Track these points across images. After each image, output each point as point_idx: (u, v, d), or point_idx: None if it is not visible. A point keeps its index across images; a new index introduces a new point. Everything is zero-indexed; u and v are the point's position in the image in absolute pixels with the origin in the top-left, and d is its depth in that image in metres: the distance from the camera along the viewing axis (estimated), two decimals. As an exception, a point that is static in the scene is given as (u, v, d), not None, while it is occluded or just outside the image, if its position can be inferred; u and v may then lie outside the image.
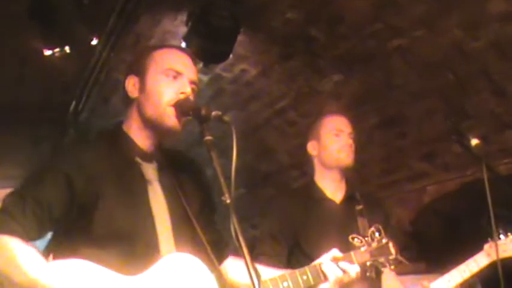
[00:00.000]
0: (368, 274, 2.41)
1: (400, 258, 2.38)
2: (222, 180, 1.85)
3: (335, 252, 2.37)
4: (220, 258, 2.32)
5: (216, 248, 2.22)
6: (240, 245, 1.74)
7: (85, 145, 2.27)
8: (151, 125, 2.16)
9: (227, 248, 2.38)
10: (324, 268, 2.32)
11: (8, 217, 1.92)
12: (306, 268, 2.30)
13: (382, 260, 2.41)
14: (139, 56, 2.27)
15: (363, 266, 2.39)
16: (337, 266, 2.32)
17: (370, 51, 4.20)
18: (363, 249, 2.42)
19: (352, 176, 3.30)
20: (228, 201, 1.81)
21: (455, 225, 4.46)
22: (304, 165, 5.79)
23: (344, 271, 2.33)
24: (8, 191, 2.01)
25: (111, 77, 5.38)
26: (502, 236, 3.06)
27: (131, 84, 2.20)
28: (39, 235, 1.99)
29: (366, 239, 2.44)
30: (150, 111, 2.15)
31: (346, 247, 2.62)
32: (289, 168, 5.89)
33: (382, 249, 2.41)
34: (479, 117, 4.17)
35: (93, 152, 2.12)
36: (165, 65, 2.17)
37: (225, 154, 1.87)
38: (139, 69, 2.20)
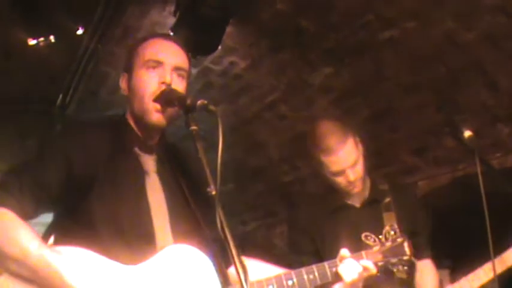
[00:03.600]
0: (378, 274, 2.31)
1: (413, 259, 2.28)
2: (207, 171, 1.82)
3: (344, 252, 2.28)
4: (227, 260, 2.12)
5: (222, 248, 2.07)
6: (226, 237, 1.71)
7: (88, 127, 2.25)
8: (140, 121, 2.18)
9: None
10: (339, 269, 2.23)
11: (4, 192, 1.93)
12: (314, 267, 2.21)
13: (394, 260, 2.30)
14: (127, 53, 2.29)
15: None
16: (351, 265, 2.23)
17: (361, 43, 4.15)
18: (375, 248, 2.32)
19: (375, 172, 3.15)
20: (214, 192, 1.78)
21: (448, 221, 4.42)
22: (294, 160, 5.78)
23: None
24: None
25: (99, 69, 5.32)
26: None
27: (123, 83, 2.24)
28: (35, 213, 2.00)
29: (380, 237, 2.37)
30: (136, 108, 2.17)
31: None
32: (279, 162, 5.84)
33: (396, 249, 2.30)
34: (471, 111, 4.13)
35: (96, 135, 2.15)
36: (145, 56, 2.18)
37: (216, 148, 1.81)
38: (127, 67, 2.23)
